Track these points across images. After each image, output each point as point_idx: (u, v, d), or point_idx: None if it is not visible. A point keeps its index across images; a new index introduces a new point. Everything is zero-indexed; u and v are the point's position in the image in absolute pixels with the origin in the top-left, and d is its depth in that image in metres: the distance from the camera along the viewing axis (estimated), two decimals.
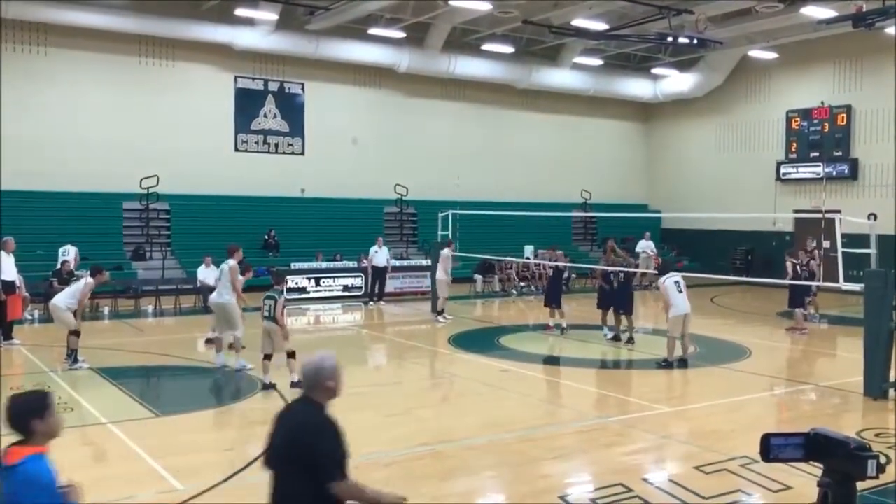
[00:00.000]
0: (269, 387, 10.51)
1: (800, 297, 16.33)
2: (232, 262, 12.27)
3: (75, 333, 11.92)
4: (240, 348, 12.05)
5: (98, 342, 13.81)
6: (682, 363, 12.50)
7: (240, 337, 12.06)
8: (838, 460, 1.99)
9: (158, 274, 21.08)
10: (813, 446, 2.04)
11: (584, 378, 12.39)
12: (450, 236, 19.38)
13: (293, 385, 10.27)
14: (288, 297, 19.64)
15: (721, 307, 21.09)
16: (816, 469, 2.33)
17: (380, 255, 21.01)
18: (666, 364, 12.47)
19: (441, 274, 17.80)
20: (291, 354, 10.56)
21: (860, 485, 2.24)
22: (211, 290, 19.29)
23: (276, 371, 10.73)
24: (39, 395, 3.66)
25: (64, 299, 12.13)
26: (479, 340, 15.25)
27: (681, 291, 12.61)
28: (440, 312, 17.71)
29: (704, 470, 7.30)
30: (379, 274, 20.98)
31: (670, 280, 12.70)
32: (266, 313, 10.67)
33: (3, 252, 14.09)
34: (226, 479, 6.88)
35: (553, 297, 16.04)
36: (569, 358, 14.01)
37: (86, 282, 12.29)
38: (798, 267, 16.34)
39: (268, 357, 10.63)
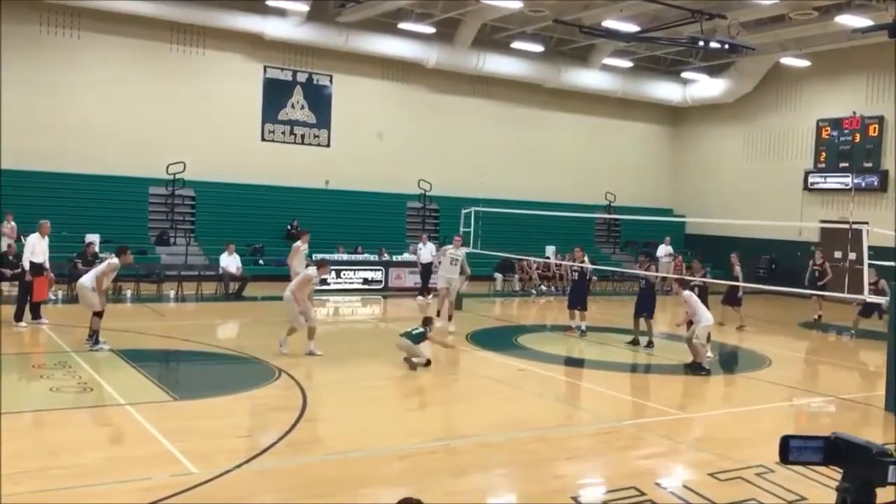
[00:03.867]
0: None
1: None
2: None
3: (98, 314, 11.99)
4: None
5: (120, 325, 13.93)
6: (698, 368, 12.40)
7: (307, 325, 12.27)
8: (858, 465, 1.96)
9: (182, 259, 21.24)
10: (833, 450, 2.01)
11: (602, 380, 12.32)
12: (472, 233, 19.34)
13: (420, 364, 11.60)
14: None
15: (742, 315, 20.87)
16: (832, 480, 2.30)
17: (424, 252, 21.29)
18: (705, 371, 12.28)
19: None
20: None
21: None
22: (232, 277, 19.54)
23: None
24: None
25: (90, 279, 12.23)
26: (498, 338, 15.22)
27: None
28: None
29: (719, 477, 7.24)
30: (425, 270, 21.09)
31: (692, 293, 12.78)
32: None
33: (37, 234, 14.28)
34: (240, 465, 6.93)
35: (578, 300, 15.85)
36: (587, 360, 13.94)
37: (108, 262, 12.36)
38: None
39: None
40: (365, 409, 9.50)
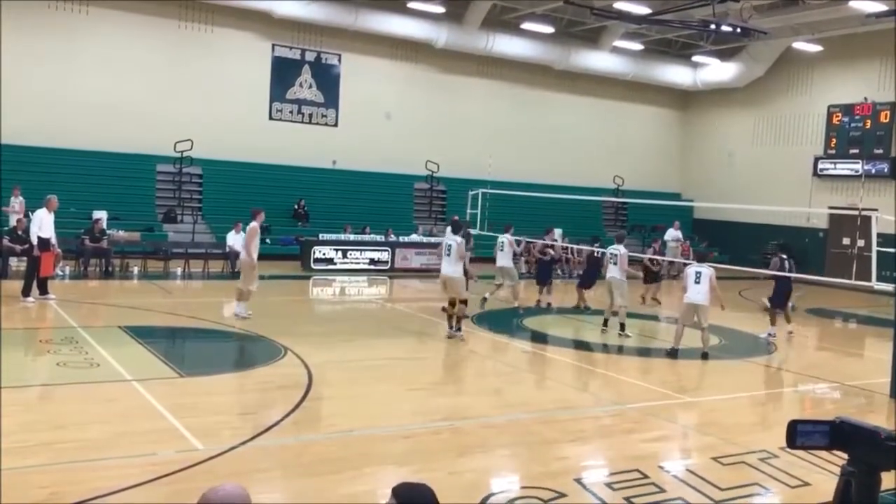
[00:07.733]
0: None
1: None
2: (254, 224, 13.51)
3: (464, 302, 12.68)
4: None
5: (126, 301, 14.00)
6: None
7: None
8: (865, 449, 1.95)
9: (189, 237, 21.27)
10: (839, 434, 2.01)
11: (607, 363, 12.35)
12: (479, 215, 19.30)
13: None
14: (314, 267, 19.92)
15: (749, 301, 20.84)
16: (835, 466, 2.30)
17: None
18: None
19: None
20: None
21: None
22: (239, 255, 19.54)
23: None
24: None
25: (459, 268, 12.77)
26: (503, 321, 15.24)
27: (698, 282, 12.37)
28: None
29: (722, 461, 7.26)
30: None
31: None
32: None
33: (44, 209, 14.28)
34: (245, 442, 6.97)
35: (586, 281, 17.00)
36: (591, 343, 13.94)
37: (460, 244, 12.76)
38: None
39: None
40: (369, 388, 9.53)
